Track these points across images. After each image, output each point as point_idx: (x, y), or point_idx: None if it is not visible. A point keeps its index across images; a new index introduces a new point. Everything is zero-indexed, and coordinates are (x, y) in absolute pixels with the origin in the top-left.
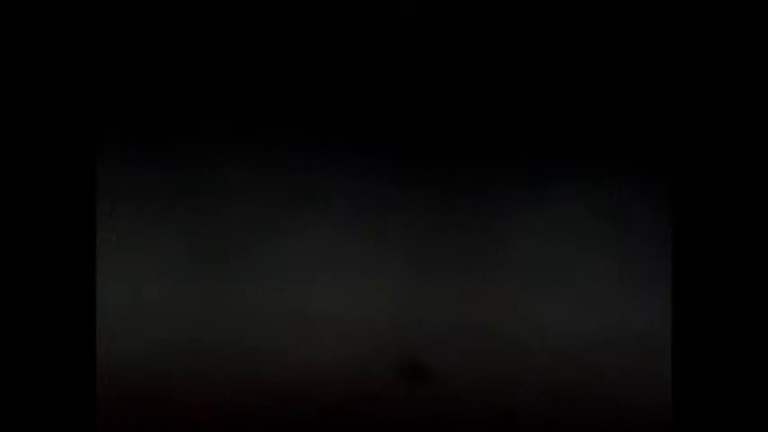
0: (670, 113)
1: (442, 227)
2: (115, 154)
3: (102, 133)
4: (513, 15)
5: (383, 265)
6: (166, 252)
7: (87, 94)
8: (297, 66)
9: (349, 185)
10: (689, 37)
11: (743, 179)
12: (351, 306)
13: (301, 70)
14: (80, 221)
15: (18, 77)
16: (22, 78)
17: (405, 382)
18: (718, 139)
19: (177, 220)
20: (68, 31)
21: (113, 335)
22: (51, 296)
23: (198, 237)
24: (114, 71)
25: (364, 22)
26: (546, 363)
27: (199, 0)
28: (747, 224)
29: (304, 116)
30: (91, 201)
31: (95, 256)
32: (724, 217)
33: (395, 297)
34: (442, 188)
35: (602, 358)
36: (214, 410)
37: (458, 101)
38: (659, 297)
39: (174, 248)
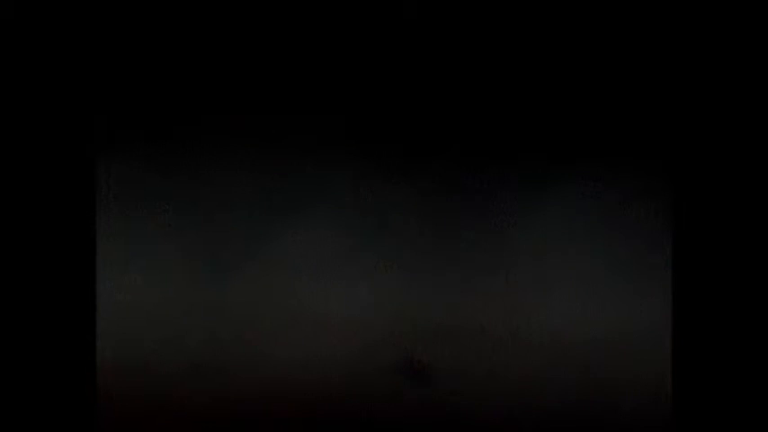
0: (670, 116)
1: (442, 227)
2: (115, 154)
3: (102, 134)
4: (513, 18)
5: (383, 264)
6: (166, 252)
7: (87, 94)
8: (297, 66)
9: (349, 185)
10: (688, 41)
11: (742, 180)
12: (350, 306)
13: (301, 70)
14: (80, 222)
15: (19, 79)
16: (22, 79)
17: (404, 382)
18: (717, 142)
19: (177, 221)
20: (69, 33)
21: (113, 335)
22: (52, 296)
23: (197, 237)
24: (115, 73)
25: (364, 22)
26: (546, 362)
27: (199, 1)
28: (747, 225)
29: (304, 116)
30: (91, 201)
31: (95, 256)
32: (723, 218)
33: (394, 297)
34: (442, 189)
35: (602, 358)
36: (214, 409)
37: (458, 102)
38: (659, 297)
39: (174, 248)
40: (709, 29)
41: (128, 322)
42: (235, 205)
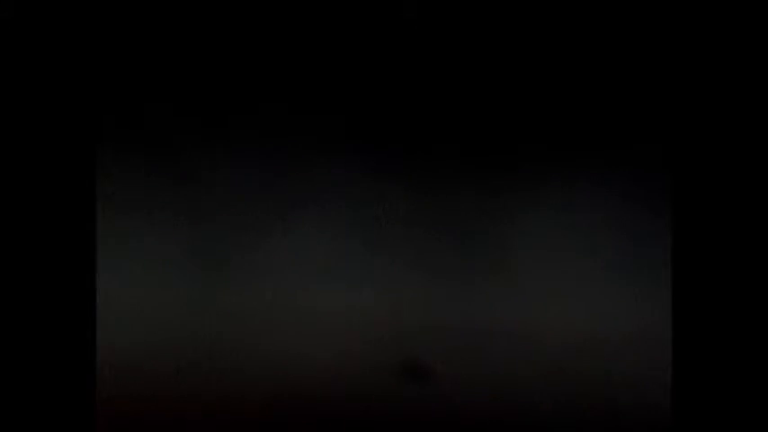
0: (669, 115)
1: (442, 227)
2: (115, 154)
3: (102, 133)
4: (512, 17)
5: (383, 265)
6: (166, 252)
7: (87, 94)
8: (297, 66)
9: (349, 185)
10: (687, 38)
11: (742, 179)
12: (350, 306)
13: (301, 70)
14: (80, 221)
15: (19, 78)
16: (22, 79)
17: (405, 382)
18: (716, 140)
19: (177, 221)
20: (69, 32)
21: (113, 335)
22: (51, 296)
23: (197, 237)
24: (114, 72)
25: (364, 22)
26: (546, 363)
27: (199, 2)
28: (746, 224)
29: (304, 116)
30: (91, 200)
31: (95, 255)
32: (723, 217)
33: (394, 297)
34: (441, 189)
35: (602, 358)
36: (214, 409)
37: (458, 102)
38: (659, 297)
39: (174, 248)
40: (709, 27)
41: (128, 322)
42: (234, 205)
